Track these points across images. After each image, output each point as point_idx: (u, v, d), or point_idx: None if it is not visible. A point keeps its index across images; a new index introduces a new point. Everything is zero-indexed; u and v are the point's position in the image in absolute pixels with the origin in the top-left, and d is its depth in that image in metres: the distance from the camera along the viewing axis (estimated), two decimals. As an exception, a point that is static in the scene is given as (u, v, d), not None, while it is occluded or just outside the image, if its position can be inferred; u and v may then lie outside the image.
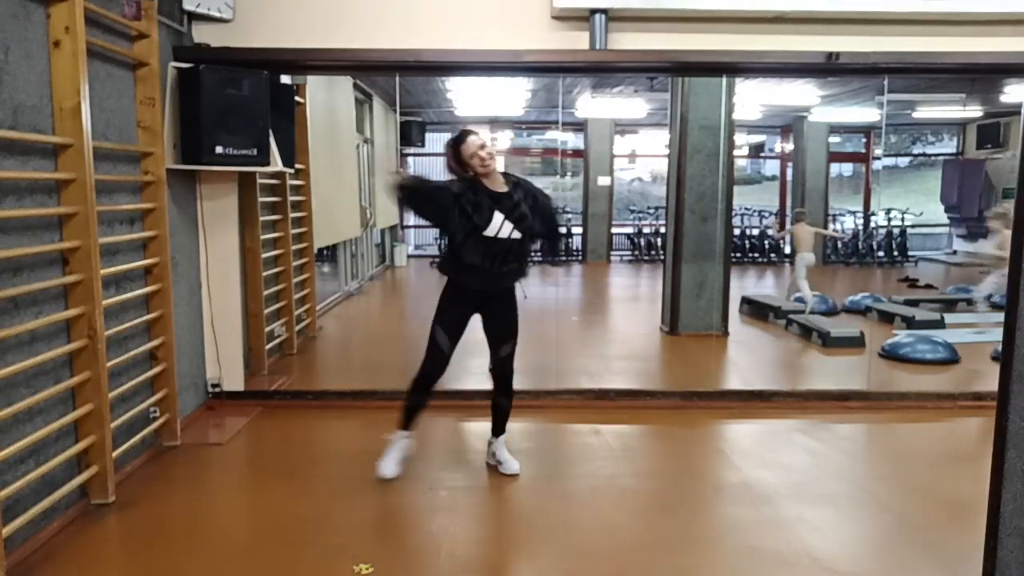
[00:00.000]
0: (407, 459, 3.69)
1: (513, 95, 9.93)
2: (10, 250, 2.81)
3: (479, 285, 3.54)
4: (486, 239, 3.40)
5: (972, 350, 6.30)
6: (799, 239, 8.15)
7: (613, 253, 13.72)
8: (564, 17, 4.35)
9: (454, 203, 3.39)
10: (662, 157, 9.35)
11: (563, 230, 3.67)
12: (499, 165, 3.52)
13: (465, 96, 10.06)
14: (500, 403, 3.77)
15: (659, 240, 13.29)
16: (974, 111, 11.66)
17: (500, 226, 3.39)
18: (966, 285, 9.53)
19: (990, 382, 2.51)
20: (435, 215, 3.56)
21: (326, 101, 7.26)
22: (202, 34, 4.37)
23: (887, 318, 7.58)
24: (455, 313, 3.58)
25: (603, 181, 13.29)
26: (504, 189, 3.45)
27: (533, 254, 3.66)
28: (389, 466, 3.60)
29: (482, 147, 3.37)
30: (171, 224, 4.08)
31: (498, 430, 3.80)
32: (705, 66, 4.88)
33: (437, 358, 3.56)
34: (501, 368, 3.69)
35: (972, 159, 13.09)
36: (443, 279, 3.66)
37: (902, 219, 12.95)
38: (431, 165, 16.34)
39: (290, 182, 6.22)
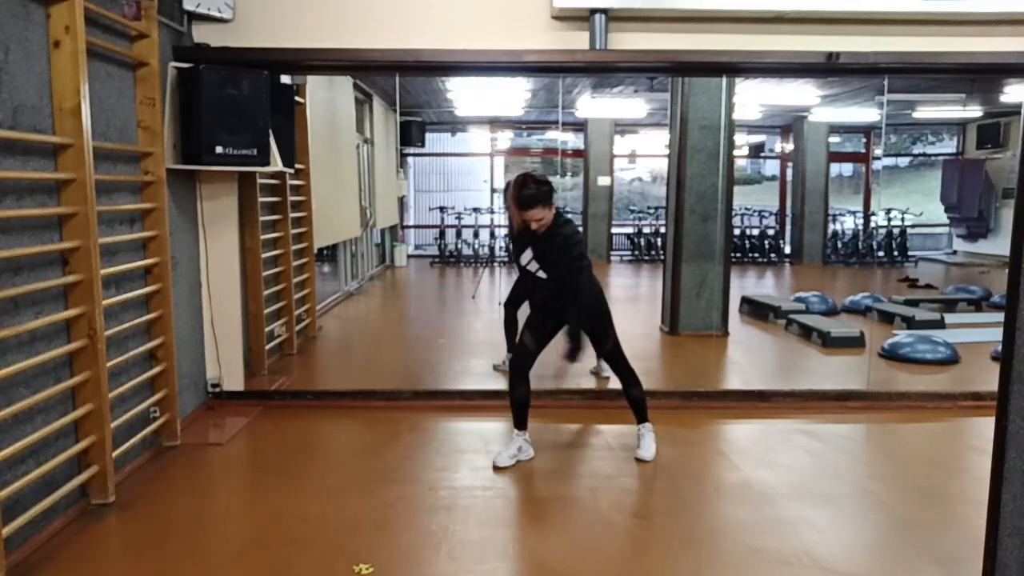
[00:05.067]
0: (523, 459, 3.89)
1: (513, 95, 9.94)
2: (10, 250, 2.81)
3: (538, 299, 3.95)
4: (522, 269, 4.00)
5: (972, 350, 6.30)
6: None
7: (613, 253, 13.72)
8: (564, 17, 4.35)
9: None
10: (662, 157, 9.36)
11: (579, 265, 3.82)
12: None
13: (465, 96, 10.06)
14: (630, 394, 4.00)
15: (659, 240, 13.30)
16: (974, 111, 11.67)
17: (528, 260, 3.86)
18: (966, 285, 9.54)
19: (990, 382, 2.51)
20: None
21: (326, 101, 7.26)
22: (202, 34, 4.37)
23: (887, 318, 7.58)
24: (539, 316, 3.93)
25: (603, 181, 13.29)
26: (541, 232, 3.74)
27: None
28: (502, 457, 3.86)
29: (526, 221, 3.69)
30: (171, 224, 4.08)
31: (641, 419, 4.02)
32: (705, 66, 4.88)
33: (523, 355, 3.92)
34: (611, 364, 4.01)
35: (972, 159, 13.10)
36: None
37: (902, 219, 12.96)
38: (431, 165, 16.38)
39: (290, 182, 6.22)
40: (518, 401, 3.88)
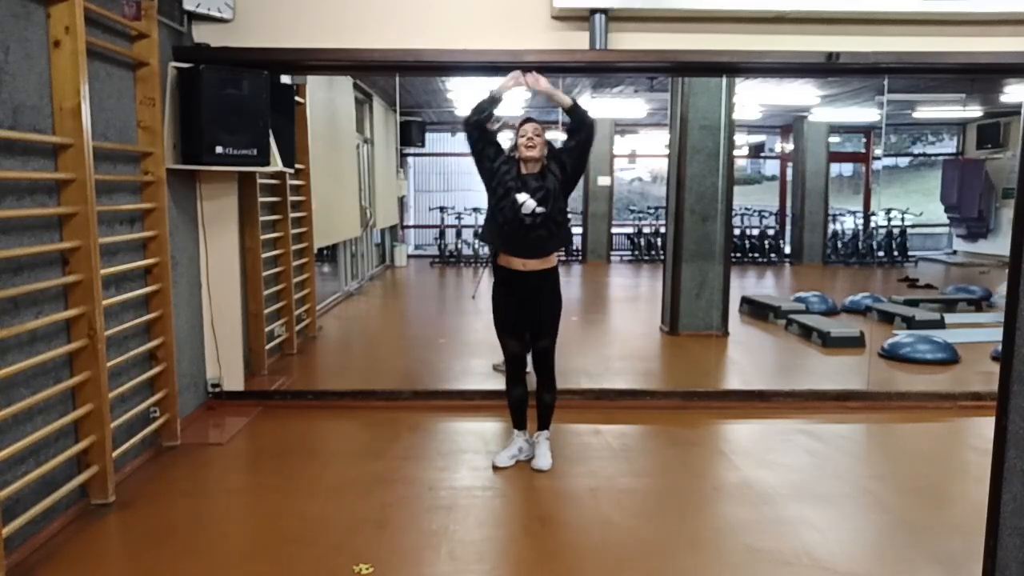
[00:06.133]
0: (523, 459, 3.85)
1: (513, 95, 9.90)
2: (10, 250, 2.81)
3: (512, 249, 3.68)
4: (512, 208, 3.61)
5: (972, 350, 6.30)
6: None
7: (613, 253, 13.72)
8: (564, 17, 4.35)
9: (493, 160, 3.68)
10: (662, 157, 9.36)
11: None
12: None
13: (465, 96, 10.05)
14: (542, 399, 3.88)
15: (659, 240, 13.30)
16: (974, 111, 11.67)
17: (523, 203, 3.61)
18: (966, 285, 9.54)
19: (990, 382, 2.51)
20: (482, 151, 3.72)
21: (326, 101, 7.26)
22: (202, 34, 4.37)
23: (887, 318, 7.58)
24: (505, 308, 3.78)
25: (603, 181, 13.29)
26: (535, 171, 3.65)
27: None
28: (501, 457, 3.85)
29: (529, 132, 3.63)
30: (171, 224, 4.08)
31: (542, 425, 3.90)
32: (705, 66, 4.88)
33: (511, 359, 3.83)
34: (539, 362, 3.81)
35: (972, 159, 13.10)
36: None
37: (902, 219, 12.96)
38: (431, 165, 16.37)
39: (290, 182, 6.22)
40: (515, 402, 3.88)
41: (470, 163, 3.81)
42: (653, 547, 3.05)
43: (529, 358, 3.85)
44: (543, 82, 3.86)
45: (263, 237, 5.60)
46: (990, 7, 4.28)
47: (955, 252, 13.82)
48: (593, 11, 4.25)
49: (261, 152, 4.37)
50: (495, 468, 3.79)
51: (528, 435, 3.92)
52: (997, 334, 2.16)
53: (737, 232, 12.86)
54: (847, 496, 3.57)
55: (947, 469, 4.03)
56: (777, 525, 3.21)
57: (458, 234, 12.92)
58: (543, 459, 3.82)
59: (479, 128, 3.70)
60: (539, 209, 3.59)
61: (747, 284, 10.82)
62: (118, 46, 3.62)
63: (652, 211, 14.05)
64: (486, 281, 10.92)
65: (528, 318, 3.75)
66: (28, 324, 2.89)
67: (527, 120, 3.69)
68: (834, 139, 13.56)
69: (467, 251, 12.89)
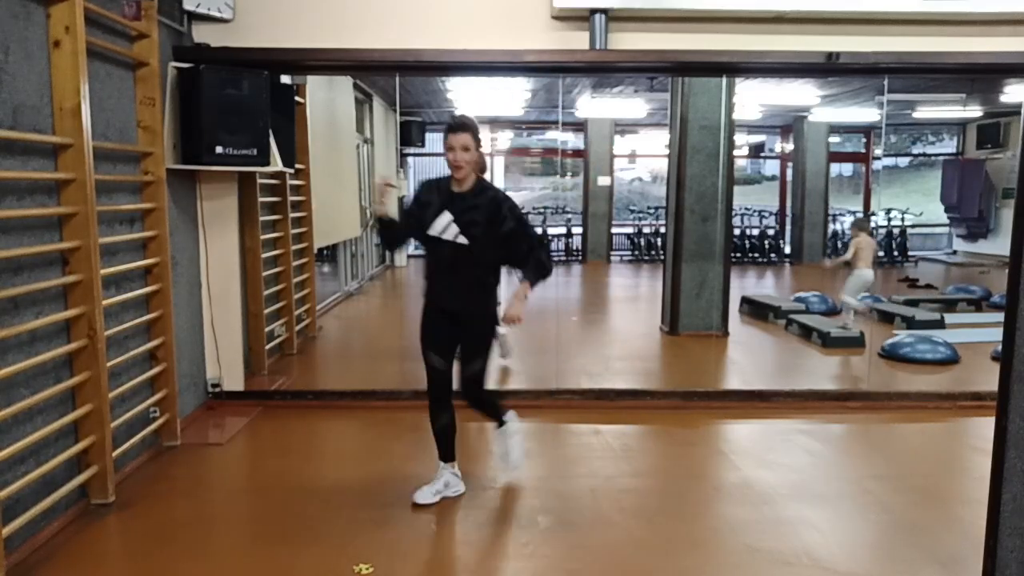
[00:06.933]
0: (451, 495, 3.44)
1: (513, 95, 9.93)
2: (10, 250, 2.81)
3: (436, 298, 3.36)
4: (430, 240, 3.24)
5: (972, 350, 6.30)
6: (860, 253, 6.86)
7: (613, 253, 13.72)
8: (564, 17, 4.35)
9: (421, 214, 3.28)
10: (662, 157, 9.36)
11: (544, 259, 3.30)
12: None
13: (465, 96, 10.05)
14: (501, 425, 3.55)
15: (659, 240, 13.29)
16: (974, 111, 11.66)
17: (445, 227, 3.19)
18: (966, 285, 9.54)
19: (990, 382, 2.51)
20: (418, 230, 3.32)
21: (326, 101, 7.26)
22: (202, 34, 4.37)
23: (887, 318, 7.58)
24: (433, 322, 3.37)
25: (603, 181, 13.29)
26: (467, 189, 3.23)
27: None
28: (424, 493, 3.39)
29: (450, 149, 3.16)
30: (171, 224, 4.08)
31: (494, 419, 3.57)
32: (705, 66, 4.88)
33: (431, 376, 3.38)
34: (467, 394, 3.40)
35: (972, 159, 13.09)
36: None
37: (902, 219, 12.95)
38: (431, 165, 16.37)
39: (290, 182, 6.22)
40: (440, 431, 3.43)
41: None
42: (653, 547, 3.05)
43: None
44: (517, 308, 3.25)
45: (263, 237, 5.60)
46: (990, 7, 4.28)
47: (955, 252, 13.81)
48: (593, 11, 4.25)
49: (261, 152, 4.37)
50: (415, 505, 3.34)
51: (456, 467, 3.50)
52: (997, 334, 2.16)
53: (737, 232, 12.85)
54: (847, 496, 3.57)
55: (947, 469, 4.03)
56: (777, 525, 3.21)
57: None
58: (514, 451, 3.53)
59: (399, 237, 3.48)
60: (461, 239, 3.18)
61: (747, 284, 10.81)
62: (118, 46, 3.62)
63: (652, 211, 14.04)
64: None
65: (455, 338, 3.35)
66: (28, 324, 2.89)
67: (458, 127, 3.16)
68: (834, 139, 13.56)
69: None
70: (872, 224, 13.16)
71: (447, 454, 3.47)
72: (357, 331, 7.99)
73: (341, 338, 7.48)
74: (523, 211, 3.27)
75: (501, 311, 3.38)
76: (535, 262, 3.25)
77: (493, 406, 3.56)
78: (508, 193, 3.40)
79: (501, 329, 3.83)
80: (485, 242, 3.19)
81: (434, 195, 3.27)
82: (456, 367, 3.38)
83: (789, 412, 4.79)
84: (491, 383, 5.15)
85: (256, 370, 5.50)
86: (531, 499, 3.51)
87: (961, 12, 4.31)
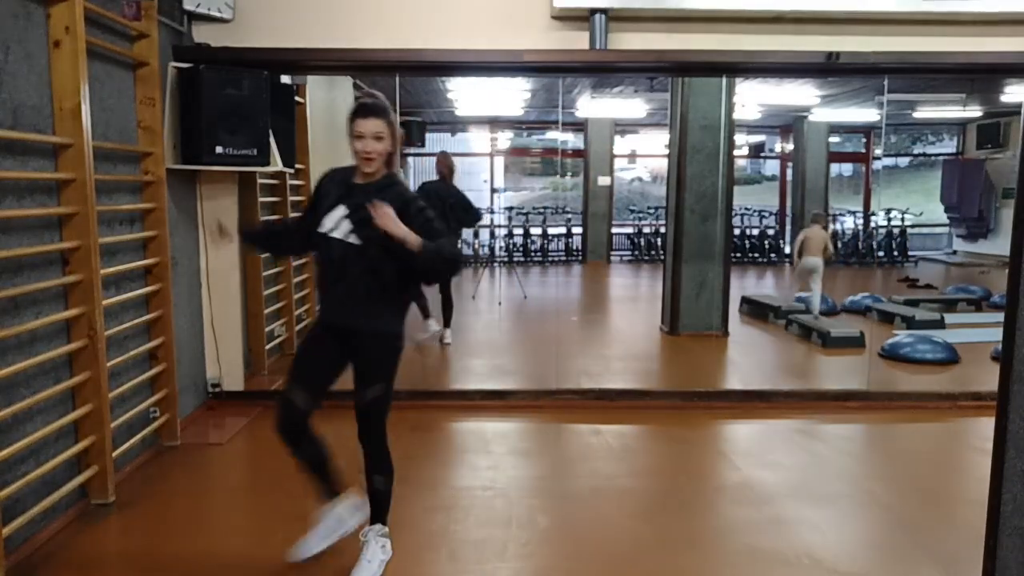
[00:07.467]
0: (346, 533, 2.88)
1: (513, 95, 9.93)
2: (10, 250, 2.81)
3: (324, 311, 2.80)
4: (321, 239, 2.64)
5: (972, 350, 6.30)
6: (807, 244, 7.52)
7: (613, 253, 13.71)
8: (564, 17, 4.35)
9: (312, 197, 2.78)
10: (662, 157, 9.35)
11: (448, 256, 2.60)
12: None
13: (465, 96, 10.06)
14: (371, 481, 2.78)
15: (659, 240, 13.29)
16: (974, 111, 11.66)
17: (336, 224, 2.61)
18: (966, 285, 9.54)
19: (990, 382, 2.51)
20: (310, 231, 2.71)
21: (326, 101, 7.26)
22: (202, 34, 4.37)
23: (887, 318, 7.58)
24: (309, 353, 2.85)
25: (603, 181, 13.29)
26: (370, 181, 2.63)
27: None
28: (302, 548, 2.86)
29: (359, 137, 2.56)
30: (171, 224, 4.08)
31: (375, 517, 2.80)
32: (705, 66, 4.88)
33: (283, 415, 2.82)
34: (362, 426, 2.79)
35: (972, 159, 13.09)
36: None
37: (902, 219, 12.96)
38: (431, 165, 16.34)
39: (290, 182, 6.22)
40: (308, 462, 2.88)
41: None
42: (654, 547, 3.05)
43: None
44: (390, 223, 2.47)
45: (263, 237, 5.59)
46: (990, 7, 4.29)
47: (955, 252, 13.81)
48: (593, 11, 4.25)
49: (261, 152, 4.37)
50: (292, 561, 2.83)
51: (350, 495, 2.90)
52: (997, 334, 2.16)
53: (737, 232, 12.84)
54: (847, 496, 3.57)
55: (947, 469, 4.03)
56: (777, 525, 3.21)
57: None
58: (366, 569, 2.69)
59: (283, 240, 3.02)
60: (352, 238, 2.58)
61: (747, 284, 10.81)
62: (118, 46, 3.62)
63: (652, 211, 14.04)
64: (486, 281, 10.92)
65: (337, 368, 2.82)
66: (28, 324, 2.89)
67: (369, 111, 2.57)
68: (834, 139, 13.56)
69: (467, 251, 12.88)
70: (872, 224, 13.18)
71: (329, 490, 2.87)
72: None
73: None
74: (434, 216, 2.63)
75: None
76: (438, 247, 2.54)
77: (381, 462, 2.78)
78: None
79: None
80: (382, 245, 2.53)
81: (333, 186, 2.71)
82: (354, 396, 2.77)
83: (789, 412, 4.79)
84: (492, 385, 5.14)
85: (256, 370, 5.50)
86: (531, 499, 3.51)
87: (961, 12, 4.31)
